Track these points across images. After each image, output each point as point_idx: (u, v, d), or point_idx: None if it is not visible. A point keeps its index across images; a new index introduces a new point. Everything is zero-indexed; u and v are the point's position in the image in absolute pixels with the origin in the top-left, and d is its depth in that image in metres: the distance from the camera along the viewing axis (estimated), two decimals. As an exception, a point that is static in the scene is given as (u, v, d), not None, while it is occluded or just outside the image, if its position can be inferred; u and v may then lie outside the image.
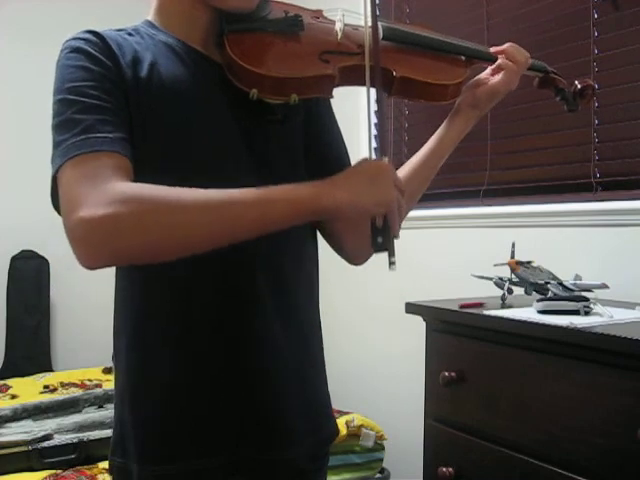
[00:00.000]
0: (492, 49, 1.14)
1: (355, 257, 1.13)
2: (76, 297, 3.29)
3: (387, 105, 2.63)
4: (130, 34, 0.97)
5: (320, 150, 1.08)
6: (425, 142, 1.13)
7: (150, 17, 1.02)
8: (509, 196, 2.15)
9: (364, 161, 0.93)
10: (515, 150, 2.16)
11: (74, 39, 0.92)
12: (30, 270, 3.19)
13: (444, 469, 1.53)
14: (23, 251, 3.20)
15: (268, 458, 0.98)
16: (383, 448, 2.31)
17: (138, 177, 0.86)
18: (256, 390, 0.97)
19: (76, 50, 0.90)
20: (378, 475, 2.32)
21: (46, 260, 3.22)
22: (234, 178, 0.89)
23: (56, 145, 0.85)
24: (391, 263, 0.89)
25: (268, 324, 0.98)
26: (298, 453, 1.00)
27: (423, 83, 1.05)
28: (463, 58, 1.12)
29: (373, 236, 0.91)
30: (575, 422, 1.27)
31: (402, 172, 1.11)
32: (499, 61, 1.11)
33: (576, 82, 1.21)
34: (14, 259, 3.19)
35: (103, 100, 0.87)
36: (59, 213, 0.85)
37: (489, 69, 1.13)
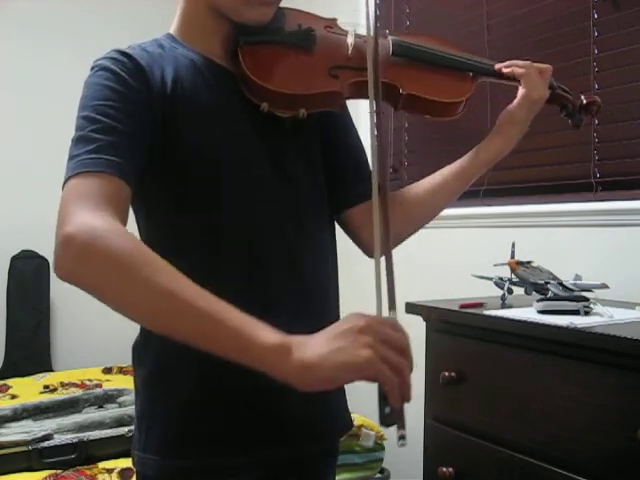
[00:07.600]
0: (497, 66, 1.14)
1: (371, 250, 1.14)
2: (76, 297, 3.25)
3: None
4: (152, 47, 1.00)
5: (335, 157, 1.10)
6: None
7: (172, 30, 1.05)
8: (509, 196, 2.15)
9: (350, 315, 0.76)
10: (515, 150, 2.14)
11: (104, 59, 0.95)
12: (30, 270, 3.19)
13: (444, 469, 1.53)
14: (23, 251, 3.20)
15: (287, 454, 1.00)
16: (383, 448, 2.30)
17: (164, 192, 0.96)
18: (277, 388, 0.98)
19: (104, 69, 0.93)
20: (378, 475, 2.31)
21: (46, 260, 3.21)
22: (257, 190, 0.95)
23: (70, 158, 0.88)
24: (400, 437, 0.70)
25: (285, 316, 0.98)
26: (319, 448, 1.03)
27: (429, 100, 1.06)
28: (471, 74, 1.13)
29: (380, 406, 0.73)
30: (575, 422, 1.27)
31: (430, 182, 1.12)
32: (512, 70, 1.11)
33: (582, 97, 1.20)
34: (14, 259, 3.19)
35: (122, 123, 0.89)
36: None
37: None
